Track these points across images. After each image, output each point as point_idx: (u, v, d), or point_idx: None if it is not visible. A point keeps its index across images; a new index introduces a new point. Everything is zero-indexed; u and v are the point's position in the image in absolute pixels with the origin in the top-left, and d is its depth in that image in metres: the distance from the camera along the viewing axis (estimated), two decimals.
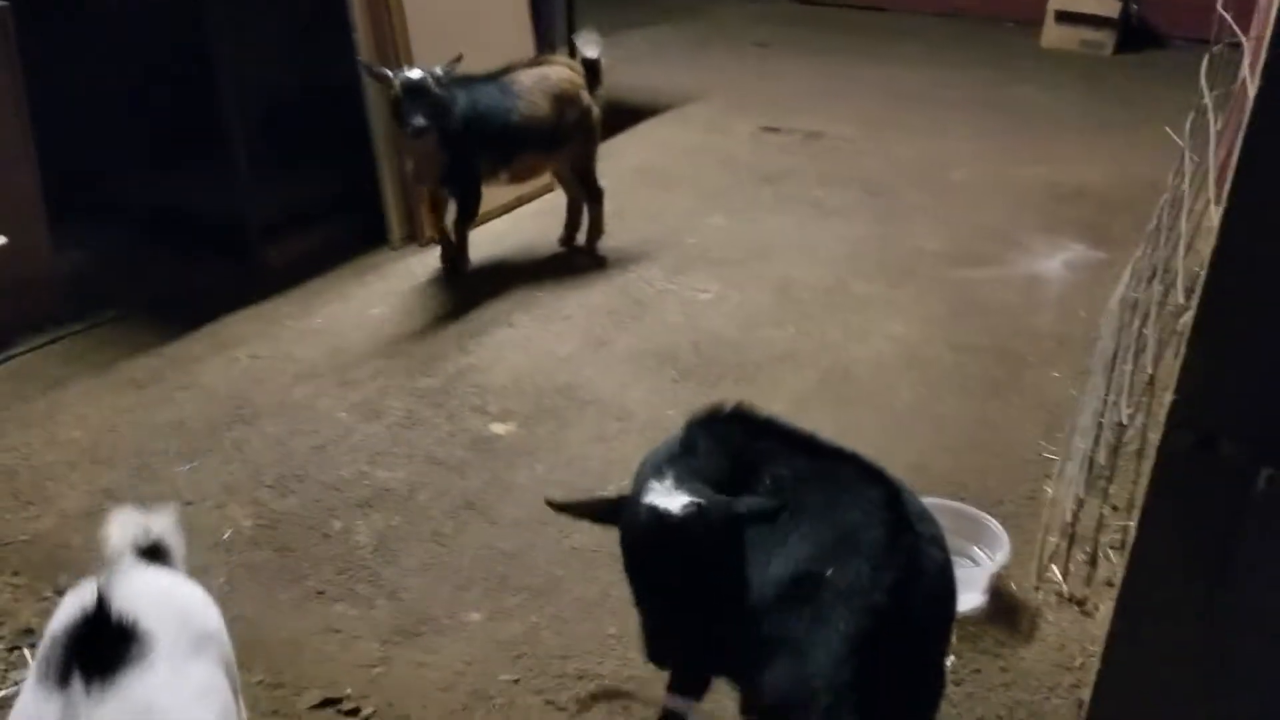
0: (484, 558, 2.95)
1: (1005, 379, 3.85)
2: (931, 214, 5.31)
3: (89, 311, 4.19)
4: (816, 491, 1.87)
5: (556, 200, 5.06)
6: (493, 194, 4.82)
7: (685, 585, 1.78)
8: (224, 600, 2.79)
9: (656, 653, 1.90)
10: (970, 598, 2.68)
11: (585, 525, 2.96)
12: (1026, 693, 2.50)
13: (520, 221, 5.22)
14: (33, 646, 2.49)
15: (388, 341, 4.10)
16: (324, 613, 2.76)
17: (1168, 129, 3.67)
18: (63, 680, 1.50)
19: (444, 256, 4.65)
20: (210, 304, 4.29)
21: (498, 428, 3.54)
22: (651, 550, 1.79)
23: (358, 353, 4.00)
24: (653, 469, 1.95)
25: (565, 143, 4.59)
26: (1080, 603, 2.76)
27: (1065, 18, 8.60)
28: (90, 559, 2.93)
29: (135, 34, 4.62)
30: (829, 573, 1.74)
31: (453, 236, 4.60)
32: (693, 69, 7.92)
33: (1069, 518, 2.61)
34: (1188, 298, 1.14)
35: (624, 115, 6.39)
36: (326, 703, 2.48)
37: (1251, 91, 1.05)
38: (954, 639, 2.31)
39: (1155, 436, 1.21)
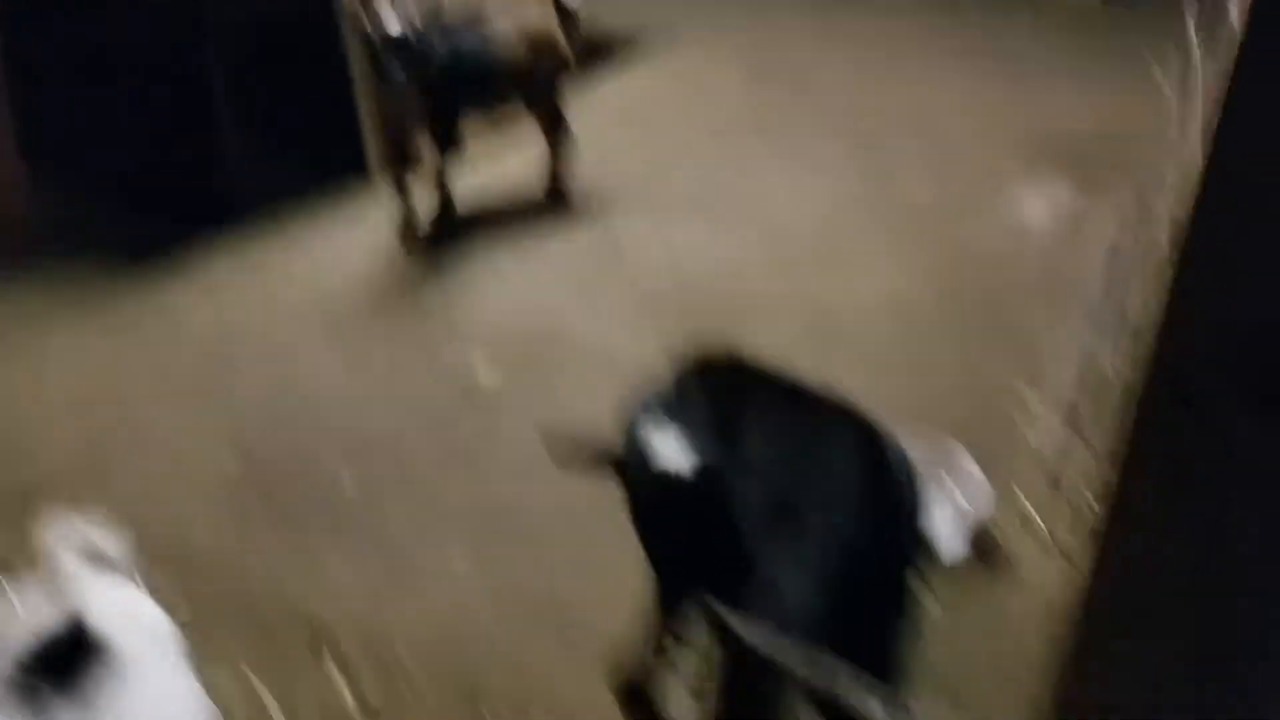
0: (470, 506, 2.96)
1: (989, 325, 3.85)
2: (919, 160, 5.28)
3: (69, 252, 4.14)
4: (800, 433, 1.89)
5: (535, 145, 5.01)
6: (473, 142, 4.76)
7: (684, 529, 1.81)
8: (210, 547, 2.82)
9: (666, 597, 1.94)
10: (950, 541, 2.71)
11: (573, 474, 2.98)
12: (1004, 636, 2.54)
13: (503, 167, 5.17)
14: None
15: (372, 287, 4.07)
16: (311, 560, 2.78)
17: (1156, 74, 3.65)
18: (34, 702, 1.45)
19: (434, 214, 4.58)
20: (191, 245, 4.25)
21: (484, 375, 3.54)
22: (654, 504, 1.81)
23: (342, 298, 3.98)
24: (645, 416, 1.96)
25: (541, 89, 4.57)
26: (1059, 547, 2.79)
27: None
28: (76, 506, 2.94)
29: None
30: (809, 512, 1.76)
31: (436, 186, 4.55)
32: (680, 12, 7.79)
33: (1049, 462, 2.63)
34: (1172, 244, 1.14)
35: (609, 56, 6.30)
36: (315, 648, 2.50)
37: (1238, 37, 1.04)
38: (934, 585, 2.34)
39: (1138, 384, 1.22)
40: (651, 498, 1.80)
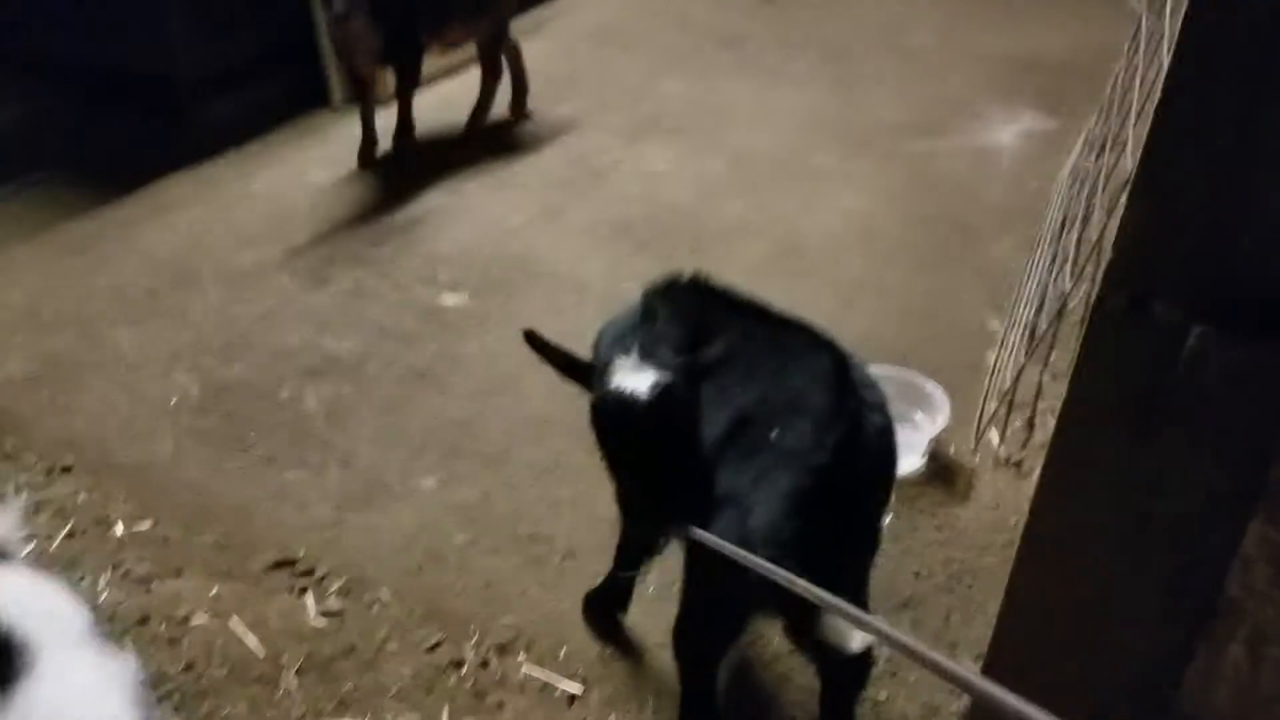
0: (435, 426, 2.96)
1: (955, 250, 3.87)
2: (889, 82, 5.23)
3: (21, 172, 4.04)
4: (767, 357, 1.91)
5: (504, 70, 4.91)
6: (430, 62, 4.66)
7: (655, 456, 1.83)
8: (172, 466, 2.81)
9: (636, 514, 1.96)
10: (910, 460, 2.76)
11: (537, 394, 2.99)
12: (961, 550, 2.60)
13: (467, 89, 5.07)
14: None
15: (331, 208, 4.01)
16: (275, 479, 2.78)
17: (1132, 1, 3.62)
18: None
19: (394, 137, 4.49)
20: (145, 165, 4.15)
21: (448, 298, 3.51)
22: (621, 428, 1.82)
23: (301, 219, 3.92)
24: (614, 340, 1.96)
25: (488, 10, 4.50)
26: (1017, 465, 2.85)
27: None
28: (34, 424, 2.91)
29: None
30: (774, 434, 1.78)
31: (397, 109, 4.46)
32: None
33: (1008, 383, 2.66)
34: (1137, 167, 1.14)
35: None
36: (280, 564, 2.51)
37: None
38: (893, 499, 2.38)
39: None
40: (618, 418, 1.81)
